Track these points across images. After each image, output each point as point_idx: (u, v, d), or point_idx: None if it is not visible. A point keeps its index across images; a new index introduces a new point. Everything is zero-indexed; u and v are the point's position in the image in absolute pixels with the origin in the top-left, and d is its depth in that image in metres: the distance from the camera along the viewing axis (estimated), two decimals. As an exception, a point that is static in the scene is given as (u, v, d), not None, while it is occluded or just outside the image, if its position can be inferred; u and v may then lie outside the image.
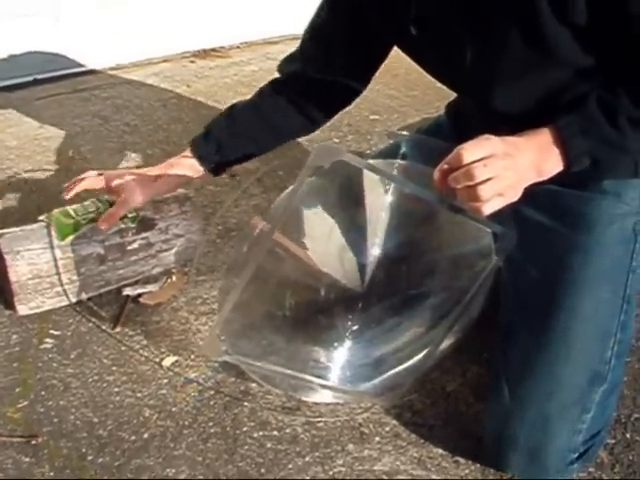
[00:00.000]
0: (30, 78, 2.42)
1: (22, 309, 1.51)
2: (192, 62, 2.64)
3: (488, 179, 1.04)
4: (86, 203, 1.54)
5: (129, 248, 1.56)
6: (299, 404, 1.36)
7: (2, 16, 2.40)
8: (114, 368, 1.42)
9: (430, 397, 1.40)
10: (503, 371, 1.26)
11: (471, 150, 1.05)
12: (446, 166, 1.07)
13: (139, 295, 1.57)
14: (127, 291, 1.57)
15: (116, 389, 1.38)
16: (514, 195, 1.08)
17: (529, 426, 1.21)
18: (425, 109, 2.39)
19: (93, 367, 1.43)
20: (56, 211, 1.54)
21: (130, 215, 1.54)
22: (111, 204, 1.51)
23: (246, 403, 1.36)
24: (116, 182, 1.45)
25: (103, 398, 1.37)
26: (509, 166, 1.06)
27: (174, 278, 1.61)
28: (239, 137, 1.47)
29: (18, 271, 1.48)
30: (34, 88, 2.38)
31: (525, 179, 1.10)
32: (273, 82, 1.50)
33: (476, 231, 1.22)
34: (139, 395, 1.37)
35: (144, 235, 1.57)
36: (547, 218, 1.30)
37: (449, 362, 1.44)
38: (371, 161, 1.24)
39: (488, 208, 1.06)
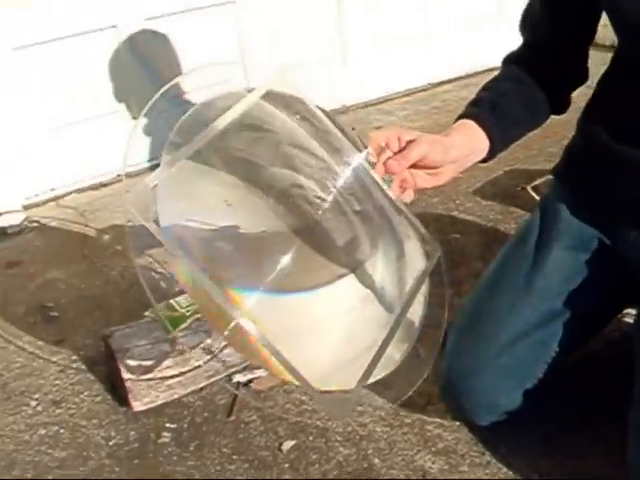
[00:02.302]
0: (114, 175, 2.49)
1: (137, 405, 1.53)
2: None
3: None
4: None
5: (235, 334, 1.57)
6: (424, 475, 1.34)
7: (81, 117, 2.50)
8: (234, 457, 1.42)
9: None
10: None
11: None
12: None
13: (250, 381, 1.57)
14: (237, 378, 1.57)
15: (239, 477, 1.38)
16: None
17: None
18: (507, 162, 2.38)
19: (213, 457, 1.43)
20: (160, 305, 1.56)
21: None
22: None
23: (369, 480, 1.35)
24: (408, 137, 1.23)
25: (227, 488, 1.37)
26: None
27: (281, 360, 1.61)
28: (506, 103, 1.35)
29: (130, 368, 1.51)
30: (119, 184, 2.45)
31: None
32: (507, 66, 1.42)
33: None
34: (263, 482, 1.37)
35: (248, 320, 1.58)
36: None
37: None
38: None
39: None
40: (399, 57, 2.97)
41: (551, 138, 2.40)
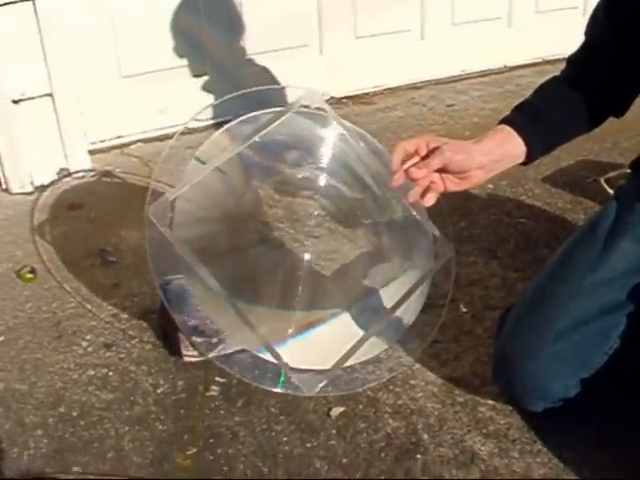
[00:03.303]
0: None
1: (188, 356, 1.52)
2: (338, 108, 2.65)
3: None
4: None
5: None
6: (472, 457, 1.32)
7: (153, 67, 2.49)
8: (282, 417, 1.41)
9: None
10: None
11: None
12: None
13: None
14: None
15: (285, 438, 1.37)
16: None
17: None
18: (579, 152, 2.33)
19: (260, 416, 1.42)
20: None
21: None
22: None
23: (418, 455, 1.33)
24: (434, 145, 1.29)
25: (272, 448, 1.35)
26: None
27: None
28: (549, 107, 1.37)
29: (184, 318, 1.50)
30: (185, 137, 2.43)
31: None
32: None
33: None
34: (308, 445, 1.35)
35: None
36: None
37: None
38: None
39: None
40: (478, 36, 2.92)
41: (625, 133, 2.35)
